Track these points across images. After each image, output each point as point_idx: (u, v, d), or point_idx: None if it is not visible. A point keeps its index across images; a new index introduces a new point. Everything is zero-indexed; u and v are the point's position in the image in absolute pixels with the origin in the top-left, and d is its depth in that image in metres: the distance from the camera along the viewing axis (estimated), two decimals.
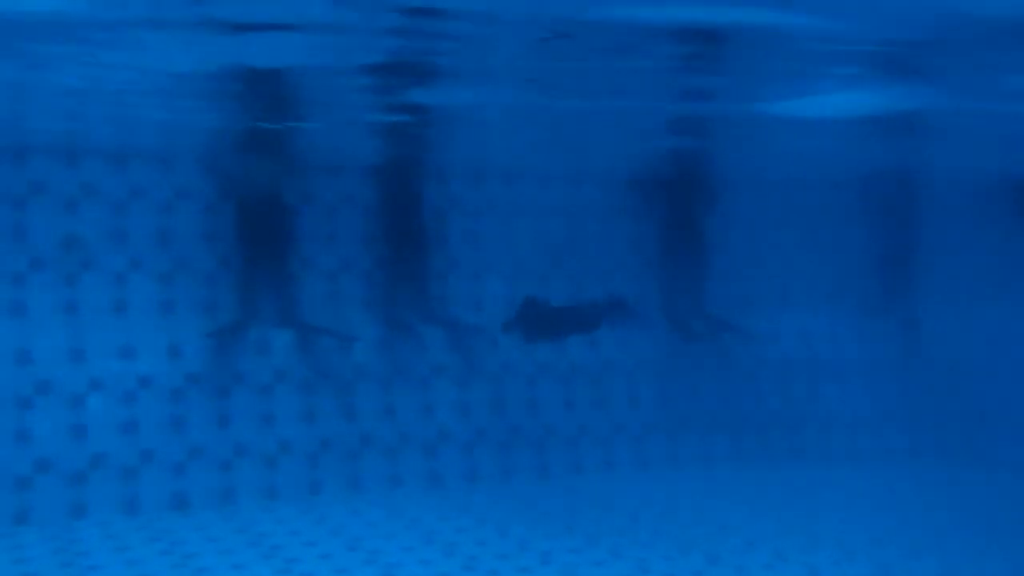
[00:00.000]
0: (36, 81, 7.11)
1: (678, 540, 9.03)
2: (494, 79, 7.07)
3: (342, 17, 5.45)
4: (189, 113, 8.12)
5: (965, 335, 12.48)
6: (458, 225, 11.25)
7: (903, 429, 12.56)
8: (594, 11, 5.31)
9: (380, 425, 10.74)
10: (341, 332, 10.57)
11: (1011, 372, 12.24)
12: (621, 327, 10.81)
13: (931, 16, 5.37)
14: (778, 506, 10.25)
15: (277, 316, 10.33)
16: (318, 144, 9.69)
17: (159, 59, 6.40)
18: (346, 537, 9.01)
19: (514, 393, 11.42)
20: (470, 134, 9.30)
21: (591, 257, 11.85)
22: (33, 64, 6.63)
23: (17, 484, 9.21)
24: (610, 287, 11.66)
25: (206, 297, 10.15)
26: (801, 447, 12.32)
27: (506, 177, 11.50)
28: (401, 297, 10.95)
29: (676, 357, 11.98)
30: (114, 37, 5.92)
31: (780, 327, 12.51)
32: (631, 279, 11.92)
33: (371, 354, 10.75)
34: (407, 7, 5.33)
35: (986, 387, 12.39)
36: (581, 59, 6.43)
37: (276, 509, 9.89)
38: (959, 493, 10.91)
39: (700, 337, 11.71)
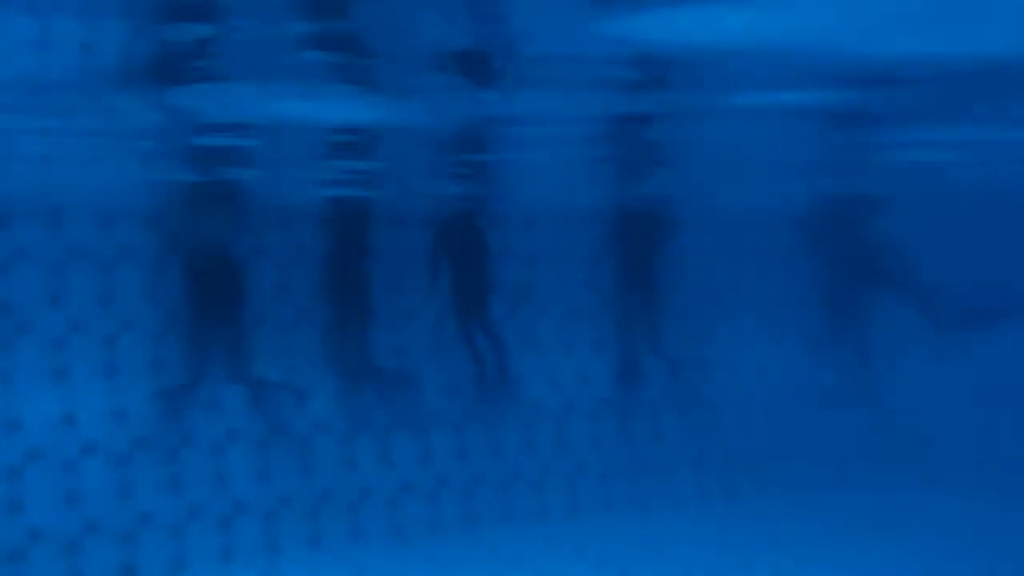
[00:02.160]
0: None
1: None
2: None
3: None
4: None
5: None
6: (413, 271, 10.56)
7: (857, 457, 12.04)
8: None
9: (340, 480, 9.99)
10: (295, 386, 9.79)
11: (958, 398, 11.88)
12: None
13: None
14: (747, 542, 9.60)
15: (228, 373, 9.52)
16: (267, 193, 9.00)
17: None
18: None
19: (475, 440, 10.71)
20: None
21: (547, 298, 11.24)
22: None
23: None
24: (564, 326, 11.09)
25: (152, 357, 9.32)
26: (762, 480, 11.71)
27: None
28: (358, 347, 10.20)
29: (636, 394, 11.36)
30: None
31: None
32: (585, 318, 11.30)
33: (329, 408, 10.01)
34: None
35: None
36: None
37: (232, 572, 9.07)
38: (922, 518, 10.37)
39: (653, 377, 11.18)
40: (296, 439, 9.84)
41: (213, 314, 9.31)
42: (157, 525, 9.09)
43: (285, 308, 9.93)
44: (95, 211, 9.04)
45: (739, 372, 12.04)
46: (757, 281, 12.13)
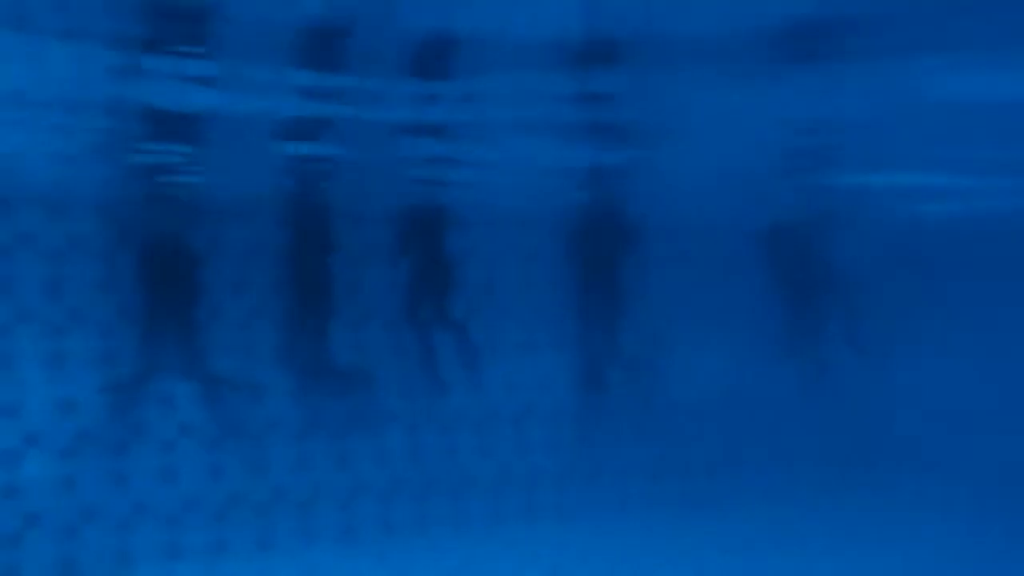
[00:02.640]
0: None
1: None
2: None
3: None
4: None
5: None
6: (373, 272, 10.39)
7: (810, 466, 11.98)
8: None
9: (292, 479, 9.77)
10: (250, 382, 9.57)
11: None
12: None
13: None
14: (699, 557, 9.49)
15: (182, 367, 9.27)
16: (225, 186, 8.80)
17: None
18: None
19: (429, 441, 10.53)
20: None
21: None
22: None
23: None
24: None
25: (103, 349, 9.04)
26: (720, 487, 11.61)
27: None
28: (315, 344, 9.99)
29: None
30: None
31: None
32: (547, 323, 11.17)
33: (283, 405, 9.78)
34: None
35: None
36: None
37: (178, 571, 8.81)
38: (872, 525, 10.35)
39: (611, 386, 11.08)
40: (249, 436, 9.61)
41: (167, 307, 9.08)
42: (101, 521, 8.83)
43: (242, 303, 9.71)
44: (48, 201, 8.78)
45: (698, 379, 11.98)
46: (718, 290, 12.10)
